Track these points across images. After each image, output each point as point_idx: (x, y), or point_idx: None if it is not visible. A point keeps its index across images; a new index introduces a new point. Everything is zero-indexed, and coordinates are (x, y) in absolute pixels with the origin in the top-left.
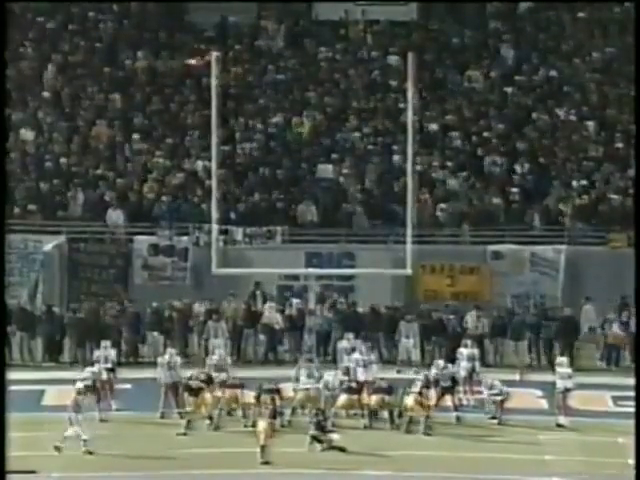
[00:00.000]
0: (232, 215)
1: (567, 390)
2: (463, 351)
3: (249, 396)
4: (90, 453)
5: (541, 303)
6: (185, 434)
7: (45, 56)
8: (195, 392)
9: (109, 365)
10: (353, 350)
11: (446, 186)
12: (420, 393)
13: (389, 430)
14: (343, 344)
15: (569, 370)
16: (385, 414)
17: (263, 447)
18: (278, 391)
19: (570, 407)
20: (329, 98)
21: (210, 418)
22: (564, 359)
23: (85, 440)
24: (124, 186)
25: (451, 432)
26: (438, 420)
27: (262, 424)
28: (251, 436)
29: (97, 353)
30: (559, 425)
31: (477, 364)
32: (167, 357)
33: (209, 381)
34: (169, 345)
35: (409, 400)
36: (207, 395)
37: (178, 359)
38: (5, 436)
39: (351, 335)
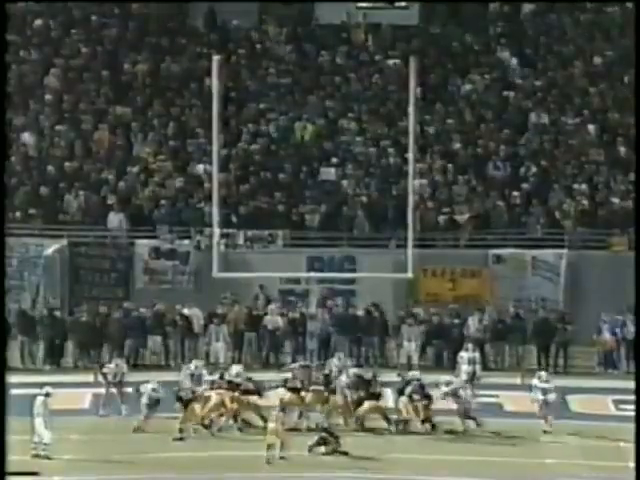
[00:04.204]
0: (233, 219)
1: (547, 403)
2: (464, 355)
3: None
4: (48, 458)
5: (542, 307)
6: (182, 439)
7: (47, 60)
8: (185, 403)
9: (118, 379)
10: (340, 372)
11: (447, 190)
12: (410, 397)
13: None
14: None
15: (550, 385)
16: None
17: (272, 446)
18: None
19: (552, 413)
20: (330, 101)
21: (205, 426)
22: (543, 373)
23: (46, 444)
24: (125, 190)
25: (452, 436)
26: (439, 424)
27: (272, 425)
28: (247, 440)
29: (107, 369)
30: (545, 432)
31: (478, 368)
32: (192, 367)
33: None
34: (171, 349)
35: (400, 404)
36: (196, 406)
37: (204, 371)
38: (5, 437)
39: (342, 355)
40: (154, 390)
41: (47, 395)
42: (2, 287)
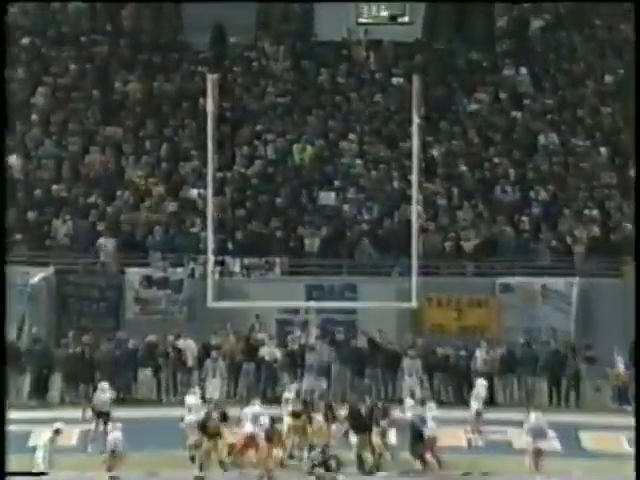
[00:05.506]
0: (229, 245)
1: (540, 451)
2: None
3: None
4: None
5: (553, 338)
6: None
7: (34, 78)
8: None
9: (105, 409)
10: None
11: (452, 215)
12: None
13: None
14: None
15: (540, 426)
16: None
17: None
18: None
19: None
20: (331, 122)
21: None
22: (535, 414)
23: None
24: (116, 215)
25: (457, 471)
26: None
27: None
28: None
29: (95, 398)
30: None
31: (480, 404)
32: (192, 398)
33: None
34: (162, 383)
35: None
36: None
37: (200, 401)
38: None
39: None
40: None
41: (57, 432)
42: (2, 316)
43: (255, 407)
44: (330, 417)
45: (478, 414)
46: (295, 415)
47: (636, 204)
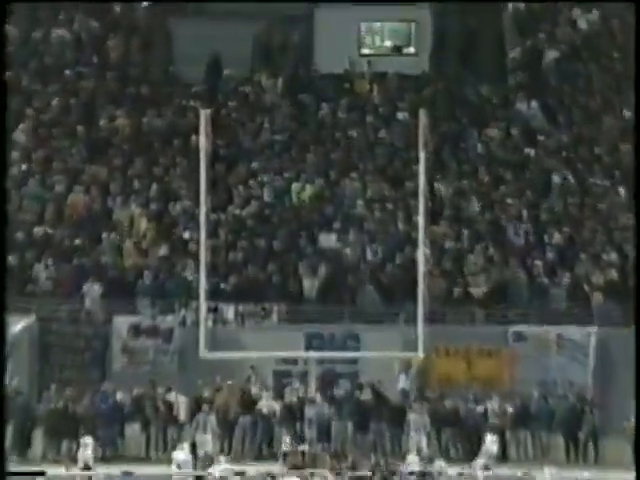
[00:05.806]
0: (223, 291)
1: None
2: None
3: None
4: None
5: (570, 391)
6: None
7: (16, 113)
8: None
9: (89, 465)
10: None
11: (461, 259)
12: None
13: None
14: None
15: None
16: None
17: None
18: None
19: None
20: (331, 159)
21: None
22: (549, 469)
23: None
24: (102, 259)
25: None
26: None
27: None
28: None
29: (80, 455)
30: None
31: (491, 459)
32: (182, 454)
33: None
34: (151, 439)
35: None
36: None
37: (190, 456)
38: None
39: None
40: None
41: None
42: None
43: (221, 465)
44: (335, 468)
45: (487, 469)
46: (295, 468)
47: (636, 243)
